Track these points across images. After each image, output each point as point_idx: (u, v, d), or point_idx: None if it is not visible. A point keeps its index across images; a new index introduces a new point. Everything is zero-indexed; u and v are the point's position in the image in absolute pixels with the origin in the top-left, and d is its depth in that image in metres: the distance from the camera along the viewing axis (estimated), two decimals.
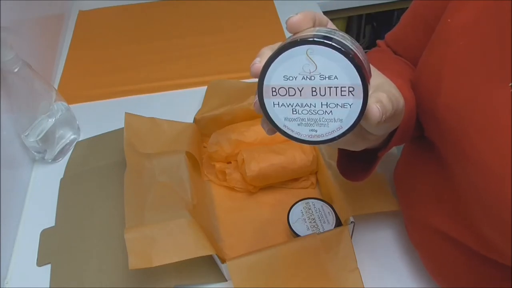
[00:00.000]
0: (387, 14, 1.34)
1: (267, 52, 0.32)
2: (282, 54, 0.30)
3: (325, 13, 1.11)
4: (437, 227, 0.46)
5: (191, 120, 0.71)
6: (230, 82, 0.77)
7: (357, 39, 1.50)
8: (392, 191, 0.59)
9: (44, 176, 0.70)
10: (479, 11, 0.39)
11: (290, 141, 0.35)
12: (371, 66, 0.37)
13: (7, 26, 0.66)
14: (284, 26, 0.95)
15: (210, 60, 0.90)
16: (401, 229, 0.60)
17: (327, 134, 0.32)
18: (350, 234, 0.55)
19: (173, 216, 0.53)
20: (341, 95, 0.30)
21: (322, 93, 0.31)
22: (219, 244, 0.59)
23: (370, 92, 0.31)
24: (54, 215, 0.64)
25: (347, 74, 0.29)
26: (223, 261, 0.52)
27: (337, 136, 0.32)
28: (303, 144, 0.33)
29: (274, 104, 0.32)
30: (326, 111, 0.31)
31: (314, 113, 0.31)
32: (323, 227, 0.56)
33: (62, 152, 0.72)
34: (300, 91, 0.31)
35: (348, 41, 0.31)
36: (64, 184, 0.68)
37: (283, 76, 0.31)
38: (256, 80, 0.32)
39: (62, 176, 0.69)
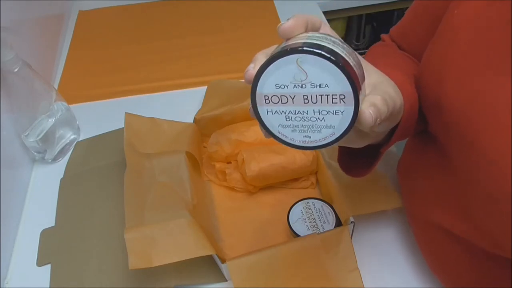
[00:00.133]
0: (387, 14, 1.34)
1: (260, 58, 0.32)
2: (273, 64, 0.30)
3: (325, 13, 1.11)
4: (440, 224, 0.46)
5: (191, 120, 0.71)
6: (230, 82, 0.77)
7: (357, 39, 1.50)
8: (393, 189, 0.59)
9: (44, 176, 0.70)
10: (484, 1, 0.39)
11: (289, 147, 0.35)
12: (368, 64, 0.37)
13: (7, 26, 0.66)
14: None
15: (210, 60, 0.90)
16: (401, 229, 0.60)
17: (320, 140, 0.33)
18: (350, 234, 0.55)
19: (173, 216, 0.53)
20: (332, 102, 0.31)
21: (314, 100, 0.31)
22: (219, 244, 0.59)
23: (362, 97, 0.32)
24: (54, 215, 0.64)
25: (337, 82, 0.30)
26: (223, 261, 0.52)
27: (330, 142, 0.32)
28: (299, 150, 0.34)
29: (267, 112, 0.32)
30: (318, 118, 0.32)
31: (307, 120, 0.32)
32: (323, 227, 0.56)
33: (62, 152, 0.72)
34: (292, 99, 0.31)
35: (339, 47, 0.31)
36: (64, 184, 0.68)
37: (275, 85, 0.31)
38: None
39: (62, 176, 0.69)
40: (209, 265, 0.56)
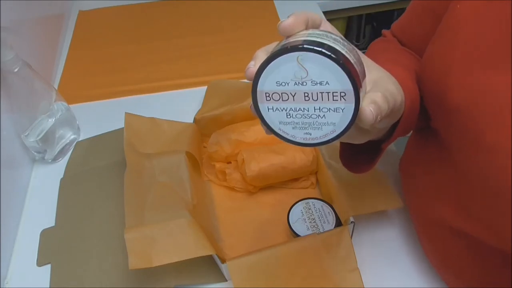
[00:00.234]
0: (387, 14, 1.34)
1: (261, 55, 0.32)
2: (274, 61, 0.30)
3: (325, 13, 1.11)
4: (443, 219, 0.46)
5: (191, 120, 0.71)
6: (230, 82, 0.77)
7: (357, 39, 1.50)
8: (393, 189, 0.59)
9: (44, 176, 0.70)
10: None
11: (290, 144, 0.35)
12: (369, 60, 0.37)
13: (7, 26, 0.66)
14: None
15: (210, 60, 0.90)
16: (401, 229, 0.60)
17: (321, 137, 0.33)
18: (350, 234, 0.55)
19: (173, 216, 0.53)
20: (333, 100, 0.31)
21: (315, 98, 0.31)
22: (219, 244, 0.59)
23: (363, 94, 0.32)
24: (54, 215, 0.64)
25: (338, 80, 0.30)
26: (223, 261, 0.52)
27: (331, 139, 0.33)
28: (300, 146, 0.34)
29: (268, 109, 0.33)
30: (319, 115, 0.32)
31: (308, 117, 0.32)
32: (323, 227, 0.56)
33: (62, 152, 0.72)
34: (293, 96, 0.31)
35: (340, 45, 0.31)
36: (64, 184, 0.68)
37: (276, 82, 0.31)
38: None
39: (62, 176, 0.69)
40: (209, 265, 0.56)
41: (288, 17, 0.33)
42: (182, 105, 0.79)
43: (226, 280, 0.56)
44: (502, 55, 0.37)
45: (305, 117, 0.32)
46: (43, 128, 0.67)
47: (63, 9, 1.02)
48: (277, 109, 0.32)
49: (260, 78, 0.31)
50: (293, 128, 0.33)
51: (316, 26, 0.35)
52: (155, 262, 0.49)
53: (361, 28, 1.48)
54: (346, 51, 0.31)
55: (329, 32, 0.33)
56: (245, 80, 0.78)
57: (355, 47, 0.33)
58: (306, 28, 0.33)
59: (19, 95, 0.64)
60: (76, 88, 0.85)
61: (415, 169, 0.53)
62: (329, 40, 0.31)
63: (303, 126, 0.33)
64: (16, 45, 0.61)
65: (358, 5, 1.19)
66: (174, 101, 0.81)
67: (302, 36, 0.32)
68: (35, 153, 0.70)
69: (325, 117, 0.32)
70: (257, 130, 0.66)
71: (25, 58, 0.62)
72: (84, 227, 0.62)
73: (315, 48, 0.29)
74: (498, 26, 0.38)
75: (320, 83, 0.30)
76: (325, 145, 0.34)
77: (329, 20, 1.13)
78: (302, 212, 0.58)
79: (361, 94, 0.31)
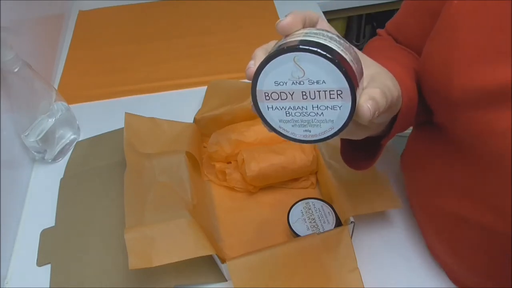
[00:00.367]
0: (387, 14, 1.34)
1: (260, 54, 0.33)
2: (271, 62, 0.31)
3: (325, 13, 1.11)
4: (453, 210, 0.47)
5: (191, 120, 0.71)
6: (230, 82, 0.77)
7: (357, 39, 1.50)
8: (393, 189, 0.59)
9: (44, 176, 0.70)
10: None
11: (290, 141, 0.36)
12: (365, 57, 0.38)
13: (7, 26, 0.66)
14: None
15: (210, 60, 0.90)
16: (401, 229, 0.60)
17: (320, 134, 0.34)
18: (350, 234, 0.55)
19: (173, 216, 0.53)
20: (330, 98, 0.31)
21: (312, 96, 0.32)
22: (219, 244, 0.59)
23: (360, 90, 0.32)
24: (54, 215, 0.64)
25: (334, 79, 0.31)
26: (223, 261, 0.52)
27: (330, 135, 0.33)
28: (300, 143, 0.35)
29: (268, 108, 0.33)
30: (317, 113, 0.33)
31: (306, 115, 0.33)
32: (323, 227, 0.56)
33: (62, 152, 0.72)
34: (291, 95, 0.32)
35: (336, 43, 0.32)
36: (64, 184, 0.68)
37: (274, 82, 0.32)
38: None
39: (62, 176, 0.69)
40: (209, 265, 0.56)
41: (286, 16, 0.33)
42: (182, 105, 0.79)
43: (226, 280, 0.56)
44: (503, 48, 0.37)
45: (304, 115, 0.33)
46: (43, 128, 0.67)
47: (63, 9, 1.02)
48: (276, 108, 0.33)
49: (259, 78, 0.32)
50: (292, 126, 0.34)
51: (313, 25, 0.36)
52: (155, 262, 0.49)
53: (361, 28, 1.48)
54: (342, 50, 0.31)
55: (326, 30, 0.34)
56: (245, 80, 0.78)
57: (352, 45, 0.34)
58: (304, 27, 0.34)
59: (19, 95, 0.64)
60: (76, 88, 0.85)
61: (419, 163, 0.54)
62: (325, 39, 0.31)
63: (302, 123, 0.33)
64: (16, 45, 0.61)
65: (358, 5, 1.19)
66: (174, 101, 0.81)
67: (298, 35, 0.32)
68: (35, 153, 0.70)
69: (323, 115, 0.32)
70: (257, 130, 0.66)
71: (25, 58, 0.62)
72: (84, 227, 0.62)
73: (310, 48, 0.30)
74: (497, 20, 0.38)
75: (317, 82, 0.31)
76: (325, 144, 0.34)
77: (329, 20, 1.13)
78: (302, 212, 0.58)
79: (358, 91, 0.32)
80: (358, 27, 1.47)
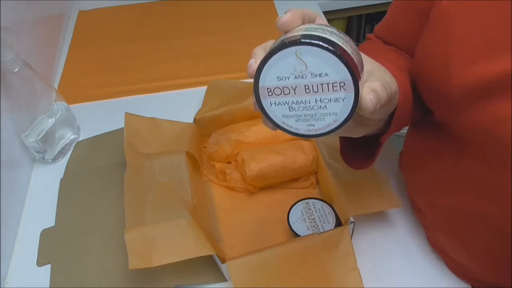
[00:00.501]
0: None
1: (259, 53, 0.34)
2: (273, 57, 0.31)
3: (325, 13, 1.11)
4: (458, 204, 0.47)
5: (191, 120, 0.71)
6: (230, 82, 0.77)
7: (357, 39, 1.50)
8: (393, 189, 0.59)
9: (44, 176, 0.70)
10: None
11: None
12: (362, 54, 0.38)
13: (7, 26, 0.66)
14: None
15: (210, 60, 0.90)
16: (401, 229, 0.60)
17: (324, 128, 0.34)
18: (350, 234, 0.55)
19: (173, 216, 0.53)
20: (333, 90, 0.31)
21: (315, 90, 0.32)
22: (219, 244, 0.59)
23: (362, 83, 0.33)
24: (54, 215, 0.64)
25: (336, 71, 0.31)
26: (223, 261, 0.52)
27: (334, 128, 0.33)
28: (305, 138, 0.35)
29: (271, 104, 0.33)
30: (320, 106, 0.32)
31: (310, 109, 0.33)
32: (323, 227, 0.56)
33: (62, 152, 0.72)
34: (294, 90, 0.32)
35: (336, 36, 0.32)
36: (64, 184, 0.68)
37: (276, 77, 0.32)
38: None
39: (62, 176, 0.69)
40: (209, 265, 0.56)
41: (285, 13, 0.34)
42: (182, 105, 0.79)
43: (226, 280, 0.56)
44: (498, 42, 0.38)
45: (307, 109, 0.33)
46: (43, 128, 0.67)
47: (63, 9, 1.02)
48: (279, 103, 0.33)
49: (261, 74, 0.32)
50: (296, 120, 0.34)
51: (312, 21, 0.36)
52: (155, 262, 0.49)
53: (361, 28, 1.48)
54: (342, 43, 0.32)
55: (325, 25, 0.34)
56: (245, 80, 0.78)
57: (351, 39, 0.34)
58: (303, 23, 0.34)
59: (19, 95, 0.64)
60: (76, 88, 0.85)
61: (418, 161, 0.54)
62: (325, 33, 0.31)
63: (305, 118, 0.33)
64: (16, 45, 0.61)
65: (358, 5, 1.19)
66: (174, 101, 0.81)
67: (299, 30, 0.32)
68: (35, 153, 0.70)
69: (326, 108, 0.32)
70: (257, 130, 0.66)
71: (25, 58, 0.62)
72: (84, 227, 0.62)
73: (312, 41, 0.30)
74: (490, 13, 0.38)
75: (320, 75, 0.31)
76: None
77: (329, 20, 1.13)
78: (302, 212, 0.58)
79: (360, 83, 0.32)
80: (358, 27, 1.47)
